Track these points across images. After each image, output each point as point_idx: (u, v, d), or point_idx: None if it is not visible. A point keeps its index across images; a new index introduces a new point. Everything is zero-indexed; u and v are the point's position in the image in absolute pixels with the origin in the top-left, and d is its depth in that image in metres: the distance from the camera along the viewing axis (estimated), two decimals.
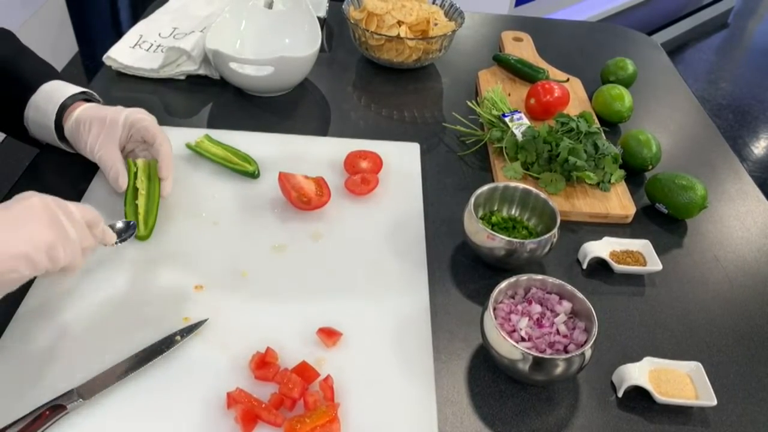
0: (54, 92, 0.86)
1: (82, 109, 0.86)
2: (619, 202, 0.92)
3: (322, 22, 1.26)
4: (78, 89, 0.88)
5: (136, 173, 0.85)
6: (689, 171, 0.95)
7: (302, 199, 0.86)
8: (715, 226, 0.94)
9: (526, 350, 0.64)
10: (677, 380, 0.69)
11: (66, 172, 0.92)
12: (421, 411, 0.65)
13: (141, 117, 0.85)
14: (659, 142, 0.99)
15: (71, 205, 0.64)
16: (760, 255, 0.89)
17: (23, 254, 0.58)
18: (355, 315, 0.74)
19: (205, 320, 0.72)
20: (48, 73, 0.90)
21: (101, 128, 0.84)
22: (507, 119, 1.01)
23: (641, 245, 0.86)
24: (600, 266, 0.85)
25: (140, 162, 0.86)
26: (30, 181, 0.91)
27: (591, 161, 0.94)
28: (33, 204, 0.61)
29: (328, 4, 1.30)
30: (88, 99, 0.90)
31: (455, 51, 1.30)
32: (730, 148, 1.10)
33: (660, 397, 0.67)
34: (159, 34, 1.19)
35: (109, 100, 0.94)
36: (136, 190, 0.83)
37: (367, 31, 1.16)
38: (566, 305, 0.71)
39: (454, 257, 0.84)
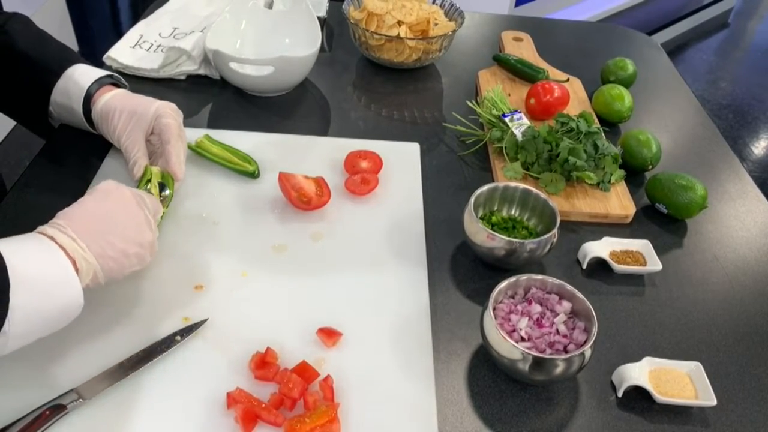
0: (80, 77, 0.88)
1: (111, 96, 0.88)
2: (619, 202, 0.92)
3: (322, 22, 1.26)
4: (103, 72, 0.90)
5: (149, 180, 0.84)
6: (689, 171, 0.95)
7: (302, 199, 0.86)
8: (715, 226, 0.94)
9: (526, 350, 0.64)
10: (677, 380, 0.69)
11: (67, 169, 0.92)
12: (421, 411, 0.65)
13: (166, 112, 0.87)
14: (659, 142, 0.99)
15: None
16: (760, 255, 0.89)
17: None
18: (355, 315, 0.74)
19: (205, 320, 0.72)
20: (70, 57, 0.91)
21: (130, 118, 0.86)
22: (507, 119, 1.00)
23: (641, 245, 0.86)
24: (600, 266, 0.85)
25: (155, 170, 0.86)
26: (39, 170, 0.91)
27: (591, 161, 0.94)
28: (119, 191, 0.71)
29: (328, 4, 1.30)
30: (113, 83, 0.92)
31: (455, 51, 1.30)
32: (730, 148, 1.10)
33: (660, 397, 0.67)
34: (159, 34, 1.19)
35: None
36: None
37: (367, 31, 1.16)
38: (566, 305, 0.71)
39: (454, 257, 0.84)
